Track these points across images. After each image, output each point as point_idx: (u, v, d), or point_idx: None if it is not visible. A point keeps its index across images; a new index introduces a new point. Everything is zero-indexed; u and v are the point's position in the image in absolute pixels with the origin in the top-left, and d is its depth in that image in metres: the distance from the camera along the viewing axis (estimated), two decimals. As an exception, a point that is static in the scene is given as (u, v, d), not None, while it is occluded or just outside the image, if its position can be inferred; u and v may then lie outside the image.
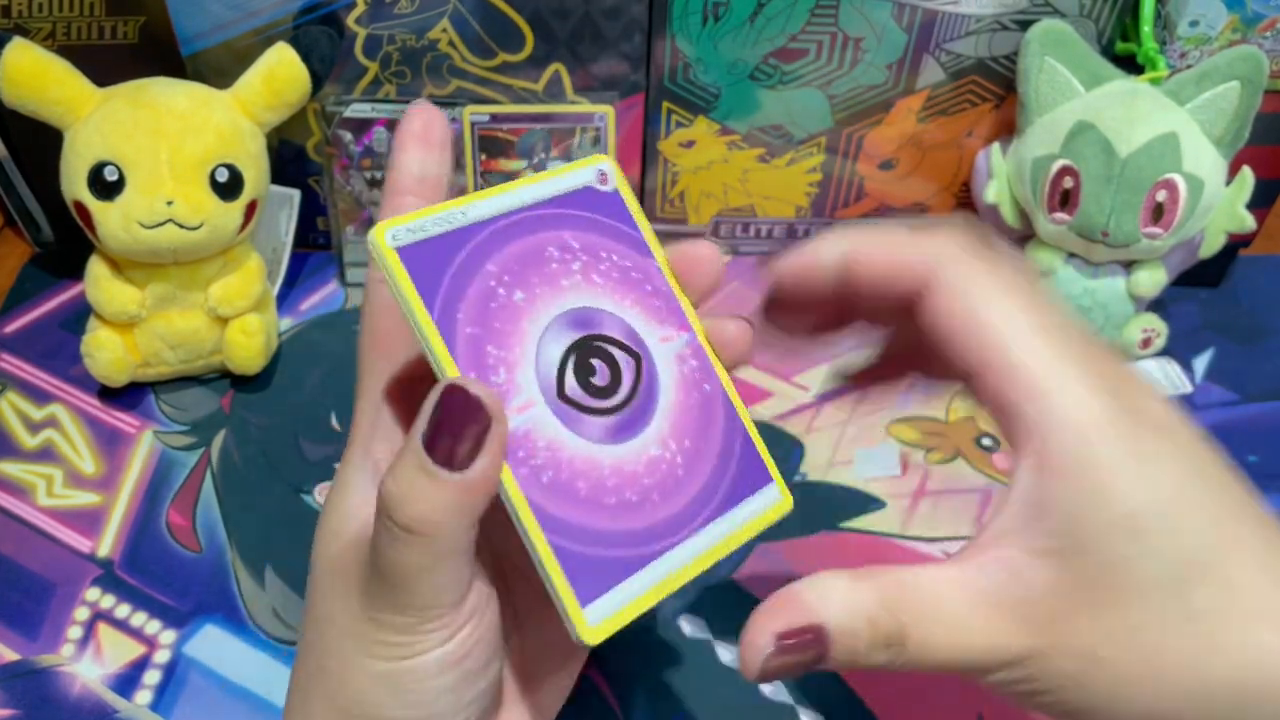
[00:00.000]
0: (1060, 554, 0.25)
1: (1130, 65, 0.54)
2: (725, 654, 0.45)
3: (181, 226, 0.50)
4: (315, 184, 0.61)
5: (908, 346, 0.32)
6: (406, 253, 0.27)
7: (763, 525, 0.31)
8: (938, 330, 0.27)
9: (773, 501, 0.32)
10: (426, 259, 0.28)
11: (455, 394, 0.26)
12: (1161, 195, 0.50)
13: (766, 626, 0.25)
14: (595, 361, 0.29)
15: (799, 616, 0.25)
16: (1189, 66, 0.52)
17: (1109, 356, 0.26)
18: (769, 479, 0.32)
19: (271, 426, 0.54)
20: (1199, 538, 0.24)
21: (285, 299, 0.61)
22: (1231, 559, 0.24)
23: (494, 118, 0.57)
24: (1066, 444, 0.25)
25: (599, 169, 0.32)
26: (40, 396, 0.55)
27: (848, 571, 0.26)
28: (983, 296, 0.26)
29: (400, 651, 0.28)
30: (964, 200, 0.62)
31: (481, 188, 0.59)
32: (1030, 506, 0.25)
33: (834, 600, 0.25)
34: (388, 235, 0.27)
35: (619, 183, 0.32)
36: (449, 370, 0.27)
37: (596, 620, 0.27)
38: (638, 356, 0.30)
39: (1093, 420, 0.25)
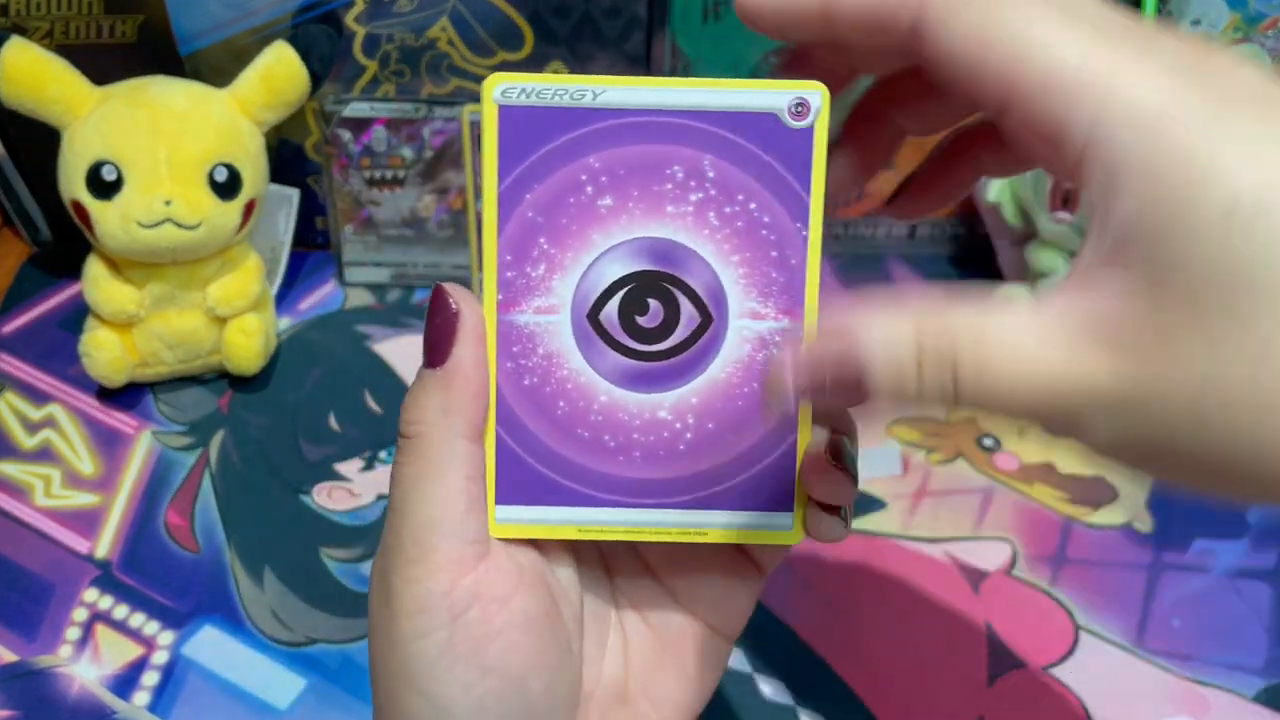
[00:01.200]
0: (1153, 283, 0.20)
1: (1132, 64, 0.54)
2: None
3: (180, 226, 0.50)
4: (314, 183, 0.61)
5: (927, 124, 0.28)
6: (509, 113, 0.26)
7: (746, 539, 0.28)
8: (945, 64, 0.22)
9: (776, 526, 0.28)
10: (527, 127, 0.26)
11: (436, 293, 0.26)
12: (1163, 194, 0.50)
13: (796, 360, 0.23)
14: (653, 301, 0.27)
15: (835, 346, 0.23)
16: (1191, 65, 0.52)
17: (1170, 33, 0.21)
18: (789, 507, 0.28)
19: (270, 427, 0.54)
20: None
21: (284, 299, 0.60)
22: None
23: (493, 117, 0.57)
24: (1134, 142, 0.20)
25: (799, 97, 0.26)
26: (38, 397, 0.55)
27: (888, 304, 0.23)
28: (989, 5, 0.22)
29: (412, 594, 0.26)
30: (965, 200, 0.62)
31: (480, 187, 0.58)
32: (1106, 240, 0.20)
33: (874, 331, 0.22)
34: (497, 90, 0.26)
35: (819, 123, 0.26)
36: (487, 244, 0.26)
37: (504, 520, 0.28)
38: (708, 318, 0.27)
39: (1164, 104, 0.20)
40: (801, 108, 0.26)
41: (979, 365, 0.21)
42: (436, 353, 0.26)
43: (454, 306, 0.26)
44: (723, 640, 0.31)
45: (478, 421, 0.27)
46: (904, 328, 0.22)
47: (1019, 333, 0.21)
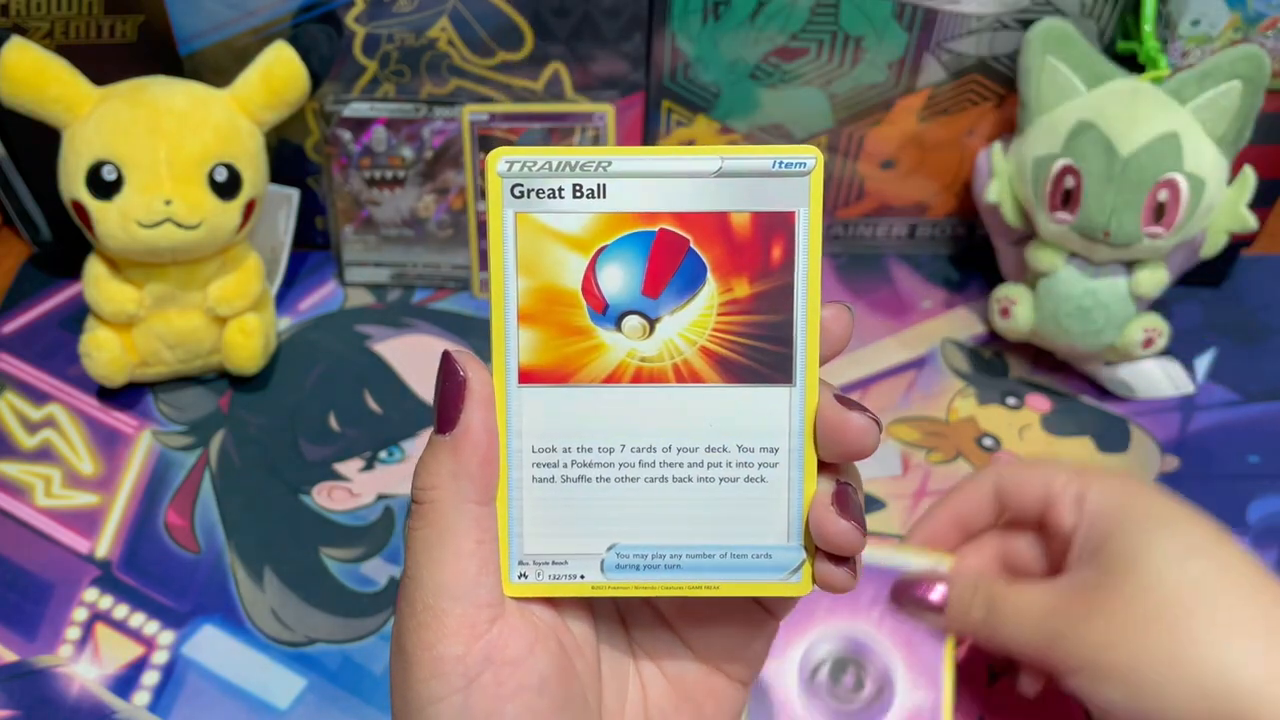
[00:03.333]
0: (1105, 585, 0.37)
1: (1132, 64, 0.54)
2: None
3: (180, 226, 0.50)
4: (314, 183, 0.61)
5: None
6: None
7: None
8: (1011, 493, 0.42)
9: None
10: None
11: (445, 360, 0.27)
12: (1163, 195, 0.50)
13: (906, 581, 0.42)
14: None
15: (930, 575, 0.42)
16: (1190, 65, 0.52)
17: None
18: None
19: (270, 427, 0.54)
20: (1200, 577, 0.35)
21: (284, 299, 0.60)
22: (1223, 596, 0.35)
23: (493, 117, 0.57)
24: (1118, 501, 0.39)
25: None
26: (38, 397, 0.55)
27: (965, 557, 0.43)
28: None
29: (426, 640, 0.27)
30: (965, 200, 0.62)
31: (480, 187, 0.58)
32: (1095, 565, 0.38)
33: (959, 571, 0.42)
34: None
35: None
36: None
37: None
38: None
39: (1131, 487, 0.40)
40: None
41: (1001, 609, 0.39)
42: (446, 418, 0.27)
43: (462, 373, 0.27)
44: (739, 687, 0.31)
45: (487, 485, 0.27)
46: (975, 579, 0.41)
47: (1027, 597, 0.39)
